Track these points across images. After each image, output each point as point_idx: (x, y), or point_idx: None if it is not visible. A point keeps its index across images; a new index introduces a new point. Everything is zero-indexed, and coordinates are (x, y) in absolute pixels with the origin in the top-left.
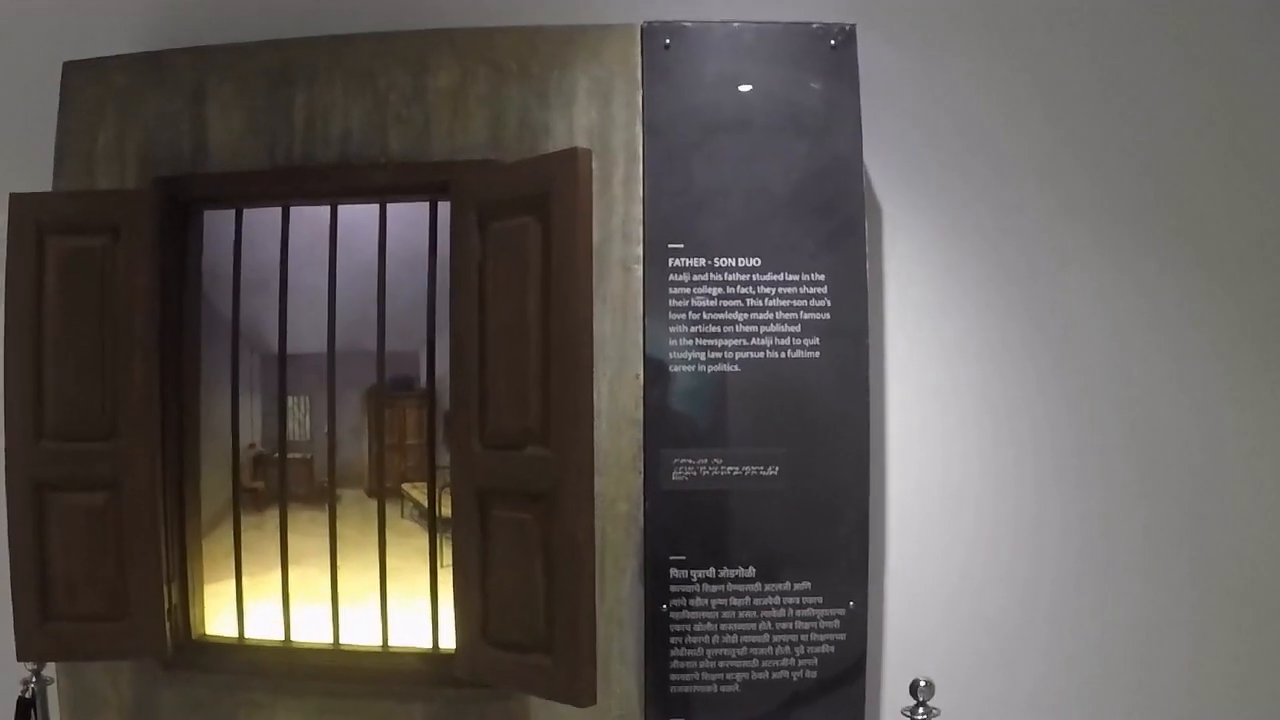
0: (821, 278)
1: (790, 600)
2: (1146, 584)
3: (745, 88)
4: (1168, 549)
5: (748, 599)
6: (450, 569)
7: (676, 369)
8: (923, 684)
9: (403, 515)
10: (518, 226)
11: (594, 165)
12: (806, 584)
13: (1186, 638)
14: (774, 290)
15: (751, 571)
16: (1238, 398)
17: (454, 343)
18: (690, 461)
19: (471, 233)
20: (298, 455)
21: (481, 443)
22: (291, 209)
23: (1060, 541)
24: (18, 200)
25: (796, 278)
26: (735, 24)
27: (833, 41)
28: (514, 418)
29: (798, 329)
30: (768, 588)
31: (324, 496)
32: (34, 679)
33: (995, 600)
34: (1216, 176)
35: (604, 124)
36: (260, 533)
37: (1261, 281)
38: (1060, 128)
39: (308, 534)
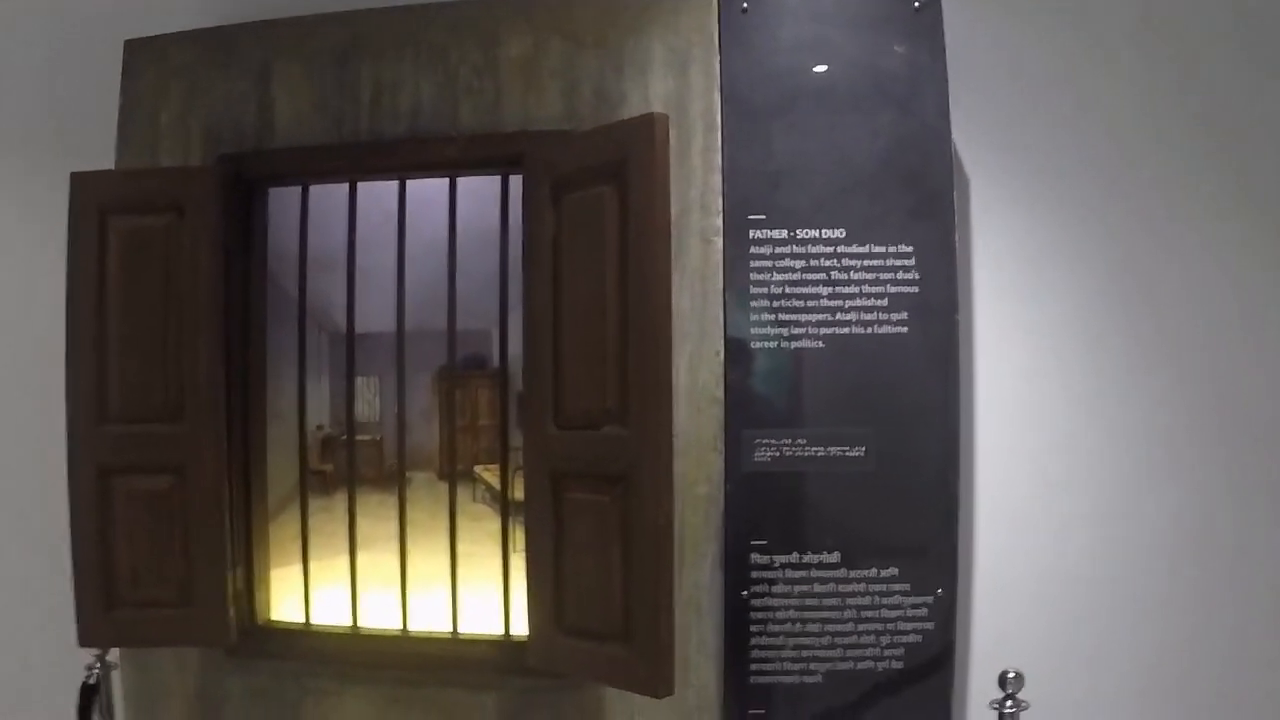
0: (909, 249)
1: (876, 588)
2: (1238, 583)
3: (826, 53)
4: (1261, 549)
5: (832, 585)
6: (523, 554)
7: (758, 345)
8: (1011, 675)
9: (474, 499)
10: (593, 197)
11: (671, 134)
12: (893, 570)
13: (1278, 641)
14: (859, 263)
15: (836, 557)
16: None
17: (527, 320)
18: (773, 442)
19: (545, 205)
20: (367, 437)
21: (556, 423)
22: (360, 186)
23: (1151, 536)
24: (79, 179)
25: (883, 249)
26: None
27: (916, 4)
28: (590, 397)
29: (885, 303)
30: (853, 574)
31: (393, 480)
32: (98, 665)
33: (1085, 593)
34: None
35: (681, 92)
36: (328, 516)
37: None
38: (1163, 107)
39: (377, 517)
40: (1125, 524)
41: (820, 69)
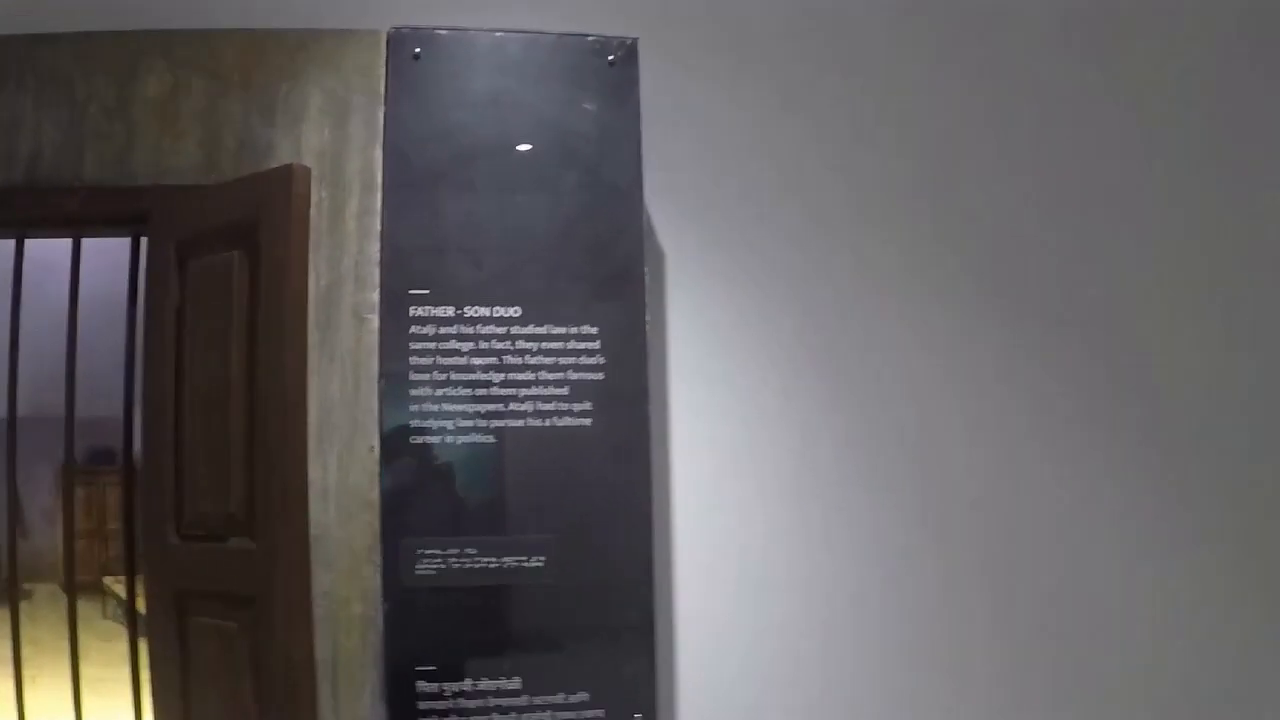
0: (594, 331)
1: (565, 715)
2: (964, 660)
3: (508, 108)
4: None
5: (513, 716)
6: None
7: (419, 440)
8: None
9: (104, 615)
10: (222, 262)
11: (324, 195)
12: (584, 695)
13: None
14: (536, 345)
15: (517, 683)
16: (1046, 450)
17: (146, 407)
18: (438, 552)
19: (169, 271)
20: None
21: (178, 532)
22: None
23: (879, 629)
24: None
25: (564, 330)
26: (498, 33)
27: (611, 57)
28: (215, 501)
29: (565, 391)
30: (537, 700)
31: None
32: None
33: (806, 701)
34: (1026, 226)
35: (338, 146)
36: None
37: (1067, 334)
38: (873, 165)
39: (1, 636)
40: (847, 618)
41: (500, 125)
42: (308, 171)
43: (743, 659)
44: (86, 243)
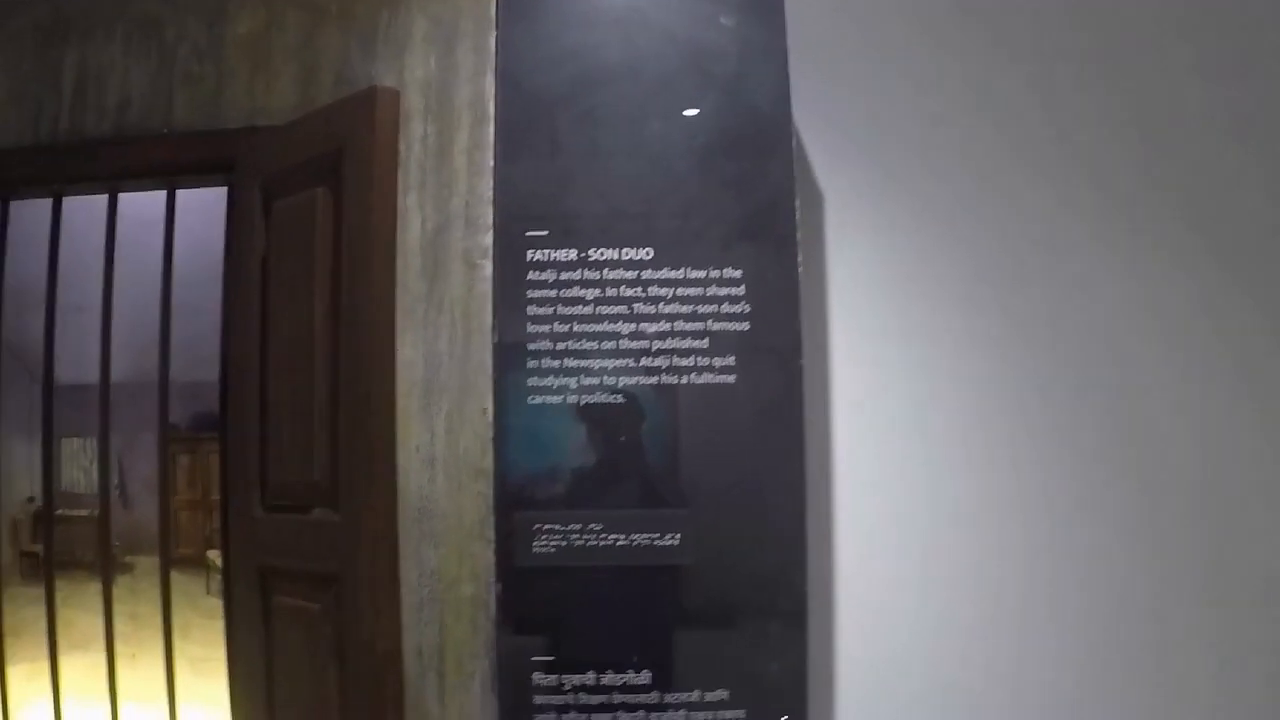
0: (738, 275)
1: (701, 715)
2: (1153, 627)
3: (633, 26)
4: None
5: (642, 714)
6: None
7: (538, 401)
8: None
9: (208, 591)
10: (305, 201)
11: (430, 129)
12: (722, 694)
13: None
14: (671, 291)
15: (646, 677)
16: (1248, 397)
17: (230, 368)
18: (558, 528)
19: (254, 214)
20: (82, 512)
21: (263, 503)
22: (79, 201)
23: (1076, 630)
24: None
25: (703, 275)
26: None
27: None
28: (299, 469)
29: (705, 344)
30: (669, 698)
31: (115, 564)
32: None
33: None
34: (1221, 154)
35: (445, 76)
36: (44, 608)
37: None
38: (1069, 86)
39: (98, 611)
40: (1020, 617)
41: (625, 44)
42: (395, 94)
43: (912, 657)
44: (191, 200)
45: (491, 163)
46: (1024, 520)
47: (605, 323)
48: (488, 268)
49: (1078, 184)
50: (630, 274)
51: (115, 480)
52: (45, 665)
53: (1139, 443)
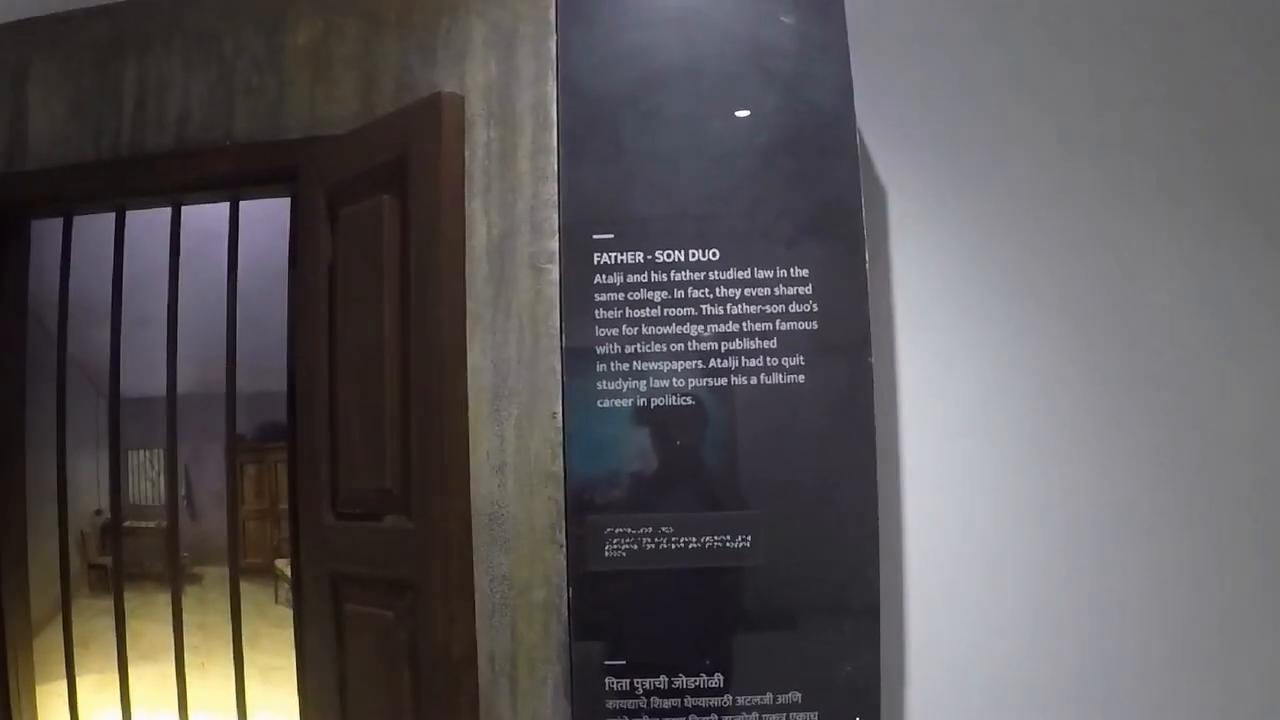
0: (804, 274)
1: (773, 718)
2: (1217, 629)
3: (693, 26)
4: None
5: (714, 718)
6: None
7: (608, 405)
8: None
9: (276, 600)
10: (371, 209)
11: (493, 134)
12: (795, 696)
13: None
14: (739, 292)
15: (718, 680)
16: None
17: (298, 377)
18: (630, 531)
19: (318, 223)
20: (149, 524)
21: (334, 510)
22: (141, 215)
23: (1121, 634)
24: None
25: (770, 274)
26: None
27: None
28: (370, 476)
29: (774, 344)
30: (742, 700)
31: (183, 574)
32: None
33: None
34: None
35: (506, 81)
36: (112, 619)
37: None
38: (1126, 79)
39: (166, 621)
40: (1095, 619)
41: (686, 44)
42: (460, 100)
43: (990, 657)
44: (254, 212)
45: (555, 167)
46: (1089, 518)
47: (673, 325)
48: (554, 272)
49: (1138, 178)
50: (697, 275)
51: (182, 491)
52: (114, 676)
53: (1202, 439)
